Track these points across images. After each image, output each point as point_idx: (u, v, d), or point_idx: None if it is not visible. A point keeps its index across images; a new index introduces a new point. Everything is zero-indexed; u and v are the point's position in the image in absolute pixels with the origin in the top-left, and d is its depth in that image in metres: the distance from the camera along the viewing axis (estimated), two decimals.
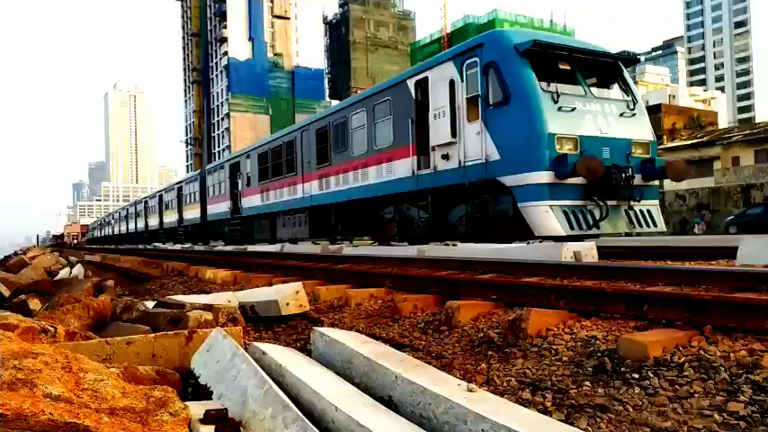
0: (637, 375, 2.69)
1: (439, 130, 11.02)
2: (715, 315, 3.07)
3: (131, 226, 45.48)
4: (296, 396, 2.33)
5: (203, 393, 2.59)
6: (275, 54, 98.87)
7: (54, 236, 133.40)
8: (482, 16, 64.95)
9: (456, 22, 68.18)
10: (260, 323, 4.82)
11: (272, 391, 2.12)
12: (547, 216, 8.95)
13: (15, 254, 30.39)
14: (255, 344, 3.15)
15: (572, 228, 8.98)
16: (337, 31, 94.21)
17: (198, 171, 29.16)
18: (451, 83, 10.81)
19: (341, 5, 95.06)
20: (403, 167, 12.21)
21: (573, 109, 9.47)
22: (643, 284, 4.60)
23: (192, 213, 28.66)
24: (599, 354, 3.04)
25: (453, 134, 10.64)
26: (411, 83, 12.11)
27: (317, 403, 2.19)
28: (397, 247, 12.41)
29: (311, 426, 1.85)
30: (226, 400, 2.34)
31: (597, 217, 9.26)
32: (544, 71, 9.67)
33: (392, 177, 12.59)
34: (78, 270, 13.88)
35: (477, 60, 10.24)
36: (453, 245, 10.32)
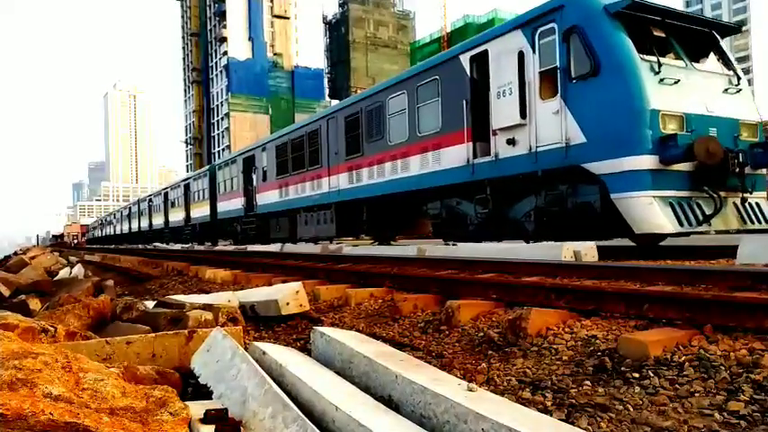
0: (637, 375, 2.69)
1: (503, 111, 9.57)
2: (715, 314, 3.07)
3: (134, 225, 44.13)
4: (296, 396, 2.33)
5: (203, 393, 2.59)
6: (275, 54, 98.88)
7: (54, 236, 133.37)
8: (482, 16, 64.97)
9: (456, 21, 68.20)
10: (260, 323, 4.83)
11: (272, 391, 2.12)
12: (650, 209, 7.61)
13: (15, 254, 30.38)
14: (255, 343, 3.15)
15: (681, 224, 7.63)
16: (337, 31, 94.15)
17: (207, 167, 27.78)
18: (520, 55, 9.37)
19: (340, 5, 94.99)
20: (454, 156, 10.81)
21: (676, 82, 8.13)
22: (643, 284, 4.60)
23: (200, 211, 27.39)
24: (599, 353, 3.04)
25: (522, 115, 9.21)
26: (465, 58, 10.62)
27: (318, 403, 2.19)
28: (397, 247, 12.46)
29: (311, 425, 1.85)
30: (226, 399, 2.34)
31: (708, 211, 7.87)
32: (638, 38, 8.31)
33: (440, 167, 11.22)
34: (78, 270, 13.88)
35: (555, 26, 8.84)
36: (453, 244, 10.32)
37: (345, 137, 14.68)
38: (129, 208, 47.78)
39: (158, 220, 36.23)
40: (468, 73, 10.58)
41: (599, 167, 8.20)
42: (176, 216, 31.71)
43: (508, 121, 9.53)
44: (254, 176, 20.96)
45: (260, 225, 20.86)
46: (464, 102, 10.54)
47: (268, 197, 19.71)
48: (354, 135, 14.28)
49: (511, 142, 9.55)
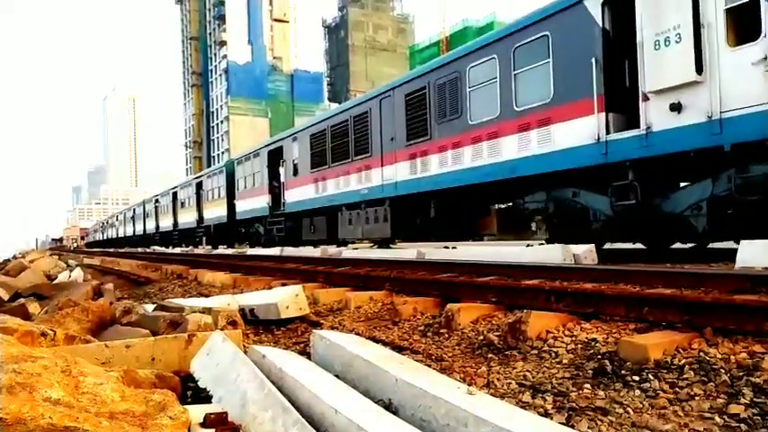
0: (637, 378, 2.69)
1: (664, 67, 7.39)
2: (715, 317, 3.08)
3: (139, 228, 42.15)
4: (295, 399, 2.32)
5: (203, 397, 2.59)
6: (274, 57, 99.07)
7: (53, 239, 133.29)
8: (480, 20, 65.10)
9: (455, 25, 68.31)
10: (259, 326, 4.82)
11: (271, 395, 2.12)
12: None
13: (14, 257, 30.33)
14: (255, 347, 3.14)
15: None
16: (336, 35, 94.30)
17: (222, 163, 25.63)
18: None
19: (340, 9, 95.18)
20: (575, 132, 8.60)
21: None
22: (643, 287, 4.60)
23: (214, 211, 25.12)
24: (599, 356, 3.04)
25: (699, 69, 7.04)
26: (594, 4, 8.39)
27: (317, 406, 2.18)
28: (397, 250, 12.37)
29: (311, 429, 1.84)
30: (225, 403, 2.34)
31: None
32: None
33: (550, 149, 8.98)
34: (77, 273, 13.85)
35: None
36: (453, 247, 10.33)
37: (406, 118, 12.42)
38: (134, 209, 45.77)
39: (166, 222, 34.12)
40: (600, 22, 8.31)
41: None
42: (187, 217, 29.72)
43: (674, 80, 7.28)
44: (282, 171, 18.75)
45: (289, 225, 18.59)
46: (593, 61, 8.28)
47: (300, 193, 17.43)
48: (419, 115, 12.04)
49: (676, 108, 7.31)
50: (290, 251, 15.54)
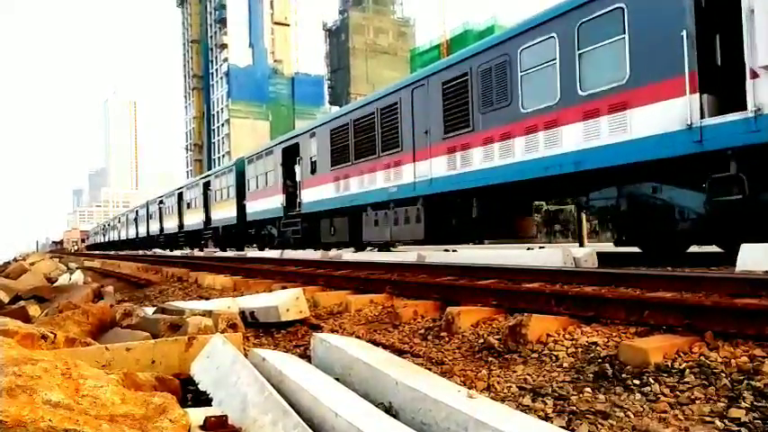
0: (638, 381, 2.68)
1: None
2: (715, 321, 3.07)
3: (142, 230, 40.81)
4: (296, 402, 2.32)
5: (203, 400, 2.58)
6: (275, 60, 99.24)
7: (54, 242, 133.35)
8: (481, 23, 65.22)
9: (455, 28, 68.43)
10: (260, 329, 4.82)
11: (272, 398, 2.11)
12: None
13: (15, 260, 30.33)
14: (255, 350, 3.14)
15: None
16: (337, 38, 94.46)
17: (232, 161, 24.34)
18: None
19: (340, 12, 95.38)
20: (659, 117, 7.55)
21: None
22: (643, 290, 4.59)
23: (223, 213, 23.96)
24: (600, 360, 3.03)
25: None
26: None
27: (317, 409, 2.18)
28: (397, 253, 12.34)
29: None
30: (226, 406, 2.34)
31: None
32: None
33: (625, 138, 7.87)
34: (78, 276, 13.86)
35: None
36: (453, 250, 10.31)
37: (443, 109, 11.27)
38: (136, 211, 44.41)
39: (171, 224, 32.84)
40: None
41: None
42: (193, 219, 28.54)
43: None
44: (299, 169, 17.58)
45: (306, 227, 17.41)
46: (683, 34, 7.24)
47: (318, 193, 16.22)
48: (459, 105, 10.91)
49: None
50: (289, 254, 15.53)
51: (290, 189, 18.36)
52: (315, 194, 16.49)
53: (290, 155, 18.18)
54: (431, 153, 11.64)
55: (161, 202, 36.07)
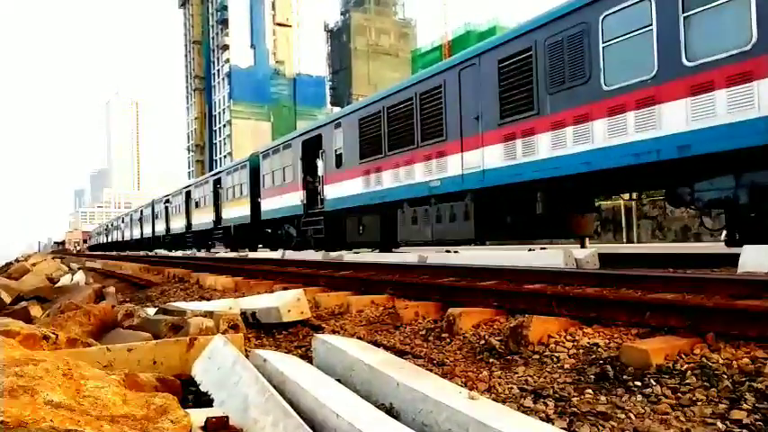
0: (639, 383, 2.68)
1: None
2: (717, 322, 3.07)
3: (147, 230, 39.52)
4: (297, 403, 2.32)
5: (204, 401, 2.59)
6: (277, 61, 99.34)
7: (55, 242, 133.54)
8: (482, 24, 65.26)
9: (457, 29, 68.47)
10: (261, 330, 4.82)
11: (273, 399, 2.11)
12: None
13: (17, 260, 30.35)
14: (256, 351, 3.15)
15: None
16: (338, 39, 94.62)
17: (246, 157, 22.76)
18: None
19: (342, 13, 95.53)
20: None
21: None
22: (645, 291, 4.59)
23: (235, 211, 22.64)
24: (601, 361, 3.03)
25: None
26: None
27: (319, 411, 2.18)
28: (398, 254, 12.28)
29: None
30: (227, 407, 2.34)
31: None
32: None
33: (752, 115, 6.60)
34: (80, 277, 13.88)
35: None
36: (455, 251, 10.28)
37: (499, 90, 9.94)
38: (141, 211, 42.94)
39: (178, 224, 31.46)
40: None
41: None
42: (201, 218, 27.21)
43: None
44: (321, 163, 16.27)
45: (329, 226, 16.06)
46: None
47: (344, 188, 14.89)
48: (519, 85, 9.58)
49: None
50: (291, 255, 15.53)
51: (311, 185, 17.08)
52: (340, 190, 15.11)
53: (311, 148, 16.86)
54: (483, 141, 10.28)
55: (167, 201, 34.63)
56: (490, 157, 10.15)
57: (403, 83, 13.19)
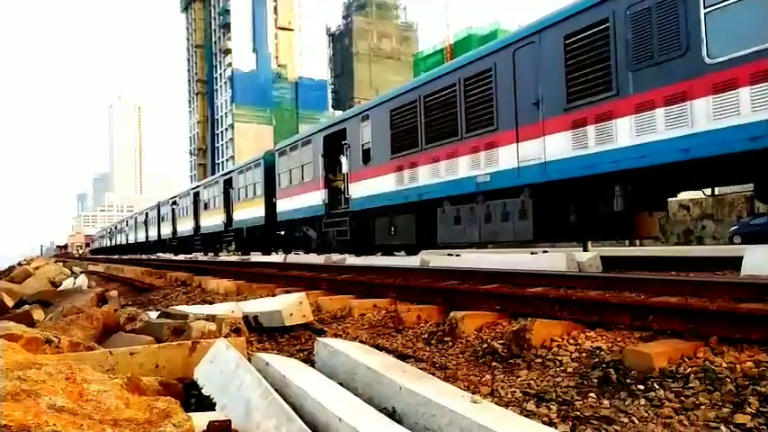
0: (642, 387, 2.67)
1: None
2: (720, 326, 3.06)
3: (152, 233, 38.06)
4: (299, 407, 2.32)
5: (206, 404, 2.59)
6: (279, 65, 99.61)
7: (58, 246, 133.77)
8: (484, 28, 65.36)
9: (458, 33, 68.58)
10: (263, 334, 4.82)
11: (275, 403, 2.11)
12: None
13: (19, 264, 30.38)
14: (259, 354, 3.14)
15: None
16: (340, 43, 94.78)
17: (260, 155, 21.53)
18: None
19: (344, 17, 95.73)
20: None
21: None
22: (648, 295, 4.58)
23: (247, 212, 21.50)
24: (604, 365, 3.02)
25: None
26: None
27: (321, 414, 2.18)
28: (400, 258, 12.24)
29: None
30: (229, 411, 2.34)
31: None
32: None
33: None
34: (82, 280, 13.91)
35: None
36: (457, 255, 10.25)
37: (567, 69, 8.74)
38: (146, 213, 41.47)
39: (185, 226, 30.16)
40: None
41: None
42: (212, 220, 26.01)
43: None
44: (345, 159, 15.21)
45: (355, 227, 14.80)
46: None
47: (373, 186, 13.69)
48: (593, 62, 8.37)
49: None
50: (293, 258, 15.54)
51: (334, 183, 16.10)
52: (368, 188, 13.87)
53: (334, 143, 15.76)
54: (544, 129, 9.07)
55: (174, 203, 33.32)
56: (553, 147, 8.91)
57: (443, 68, 12.01)
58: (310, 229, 17.24)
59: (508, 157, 9.73)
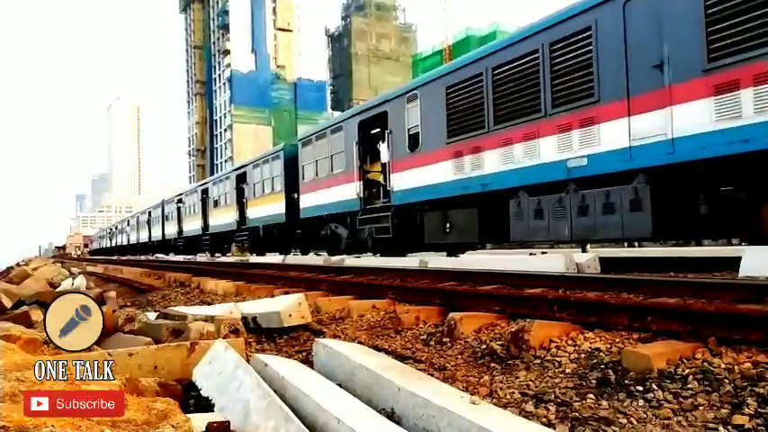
0: (641, 388, 2.68)
1: None
2: (719, 327, 3.07)
3: (156, 233, 36.37)
4: (298, 408, 2.32)
5: (205, 406, 2.58)
6: (278, 66, 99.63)
7: (56, 247, 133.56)
8: (483, 29, 65.41)
9: (457, 34, 68.63)
10: (262, 334, 4.82)
11: (274, 404, 2.11)
12: None
13: (17, 264, 30.30)
14: (257, 355, 3.14)
15: None
16: (339, 44, 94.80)
17: (279, 146, 19.74)
18: None
19: (343, 18, 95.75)
20: None
21: None
22: (646, 296, 4.58)
23: (262, 210, 19.72)
24: (602, 366, 3.03)
25: None
26: None
27: (320, 415, 2.18)
28: (400, 258, 12.20)
29: None
30: (228, 412, 2.34)
31: None
32: None
33: None
34: (80, 281, 13.88)
35: None
36: (456, 256, 10.23)
37: (706, 20, 6.68)
38: (149, 212, 39.51)
39: (193, 225, 28.61)
40: None
41: None
42: (222, 218, 24.25)
43: None
44: (385, 147, 13.51)
45: (398, 223, 12.77)
46: None
47: (423, 176, 11.86)
48: (751, 8, 6.26)
49: None
50: (292, 259, 15.52)
51: (367, 175, 14.48)
52: (417, 178, 12.05)
53: (368, 129, 14.15)
54: (672, 98, 7.19)
55: (180, 201, 31.29)
56: (687, 120, 7.03)
57: (519, 33, 9.94)
58: (340, 227, 15.26)
59: (615, 134, 7.89)
